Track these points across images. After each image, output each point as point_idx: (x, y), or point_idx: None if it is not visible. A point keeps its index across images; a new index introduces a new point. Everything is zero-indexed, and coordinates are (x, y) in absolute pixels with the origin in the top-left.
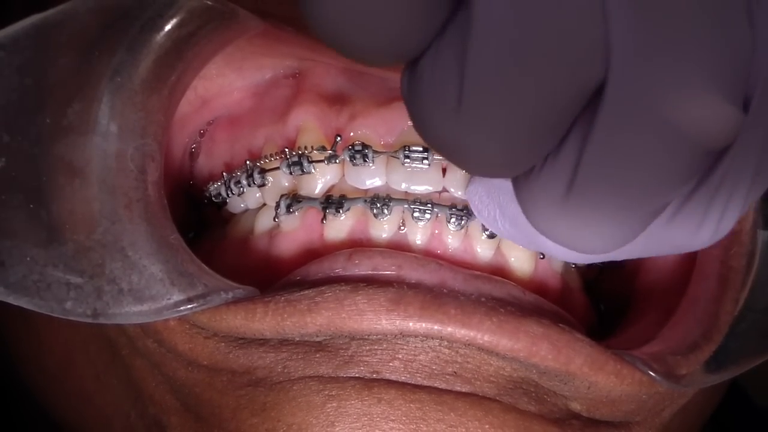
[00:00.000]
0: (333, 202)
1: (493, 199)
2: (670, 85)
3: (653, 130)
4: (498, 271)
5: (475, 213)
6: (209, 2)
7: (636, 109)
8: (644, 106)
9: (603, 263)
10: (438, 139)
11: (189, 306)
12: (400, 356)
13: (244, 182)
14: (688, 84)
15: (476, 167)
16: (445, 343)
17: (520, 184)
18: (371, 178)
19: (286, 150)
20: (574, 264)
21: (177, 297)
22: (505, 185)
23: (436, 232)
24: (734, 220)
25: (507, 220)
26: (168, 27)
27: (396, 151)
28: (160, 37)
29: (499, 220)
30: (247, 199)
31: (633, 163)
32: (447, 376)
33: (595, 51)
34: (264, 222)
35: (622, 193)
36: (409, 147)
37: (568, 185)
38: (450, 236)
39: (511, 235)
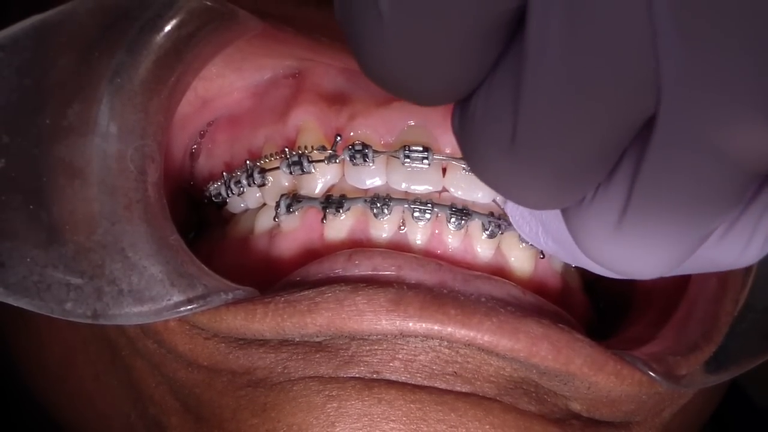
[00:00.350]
0: (333, 201)
1: (536, 216)
2: (719, 112)
3: (704, 157)
4: (498, 271)
5: (516, 228)
6: (209, 3)
7: (687, 137)
8: (695, 134)
9: None
10: (492, 175)
11: (189, 307)
12: (400, 356)
13: (244, 182)
14: (736, 111)
15: (532, 202)
16: (445, 343)
17: (571, 213)
18: (371, 177)
19: (286, 150)
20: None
21: (177, 298)
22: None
23: (436, 231)
24: None
25: (550, 238)
26: (167, 28)
27: (396, 151)
28: (159, 38)
29: (542, 237)
30: (247, 198)
31: (684, 189)
32: (447, 376)
33: (647, 84)
34: (264, 222)
35: (673, 219)
36: (409, 147)
37: (621, 213)
38: (450, 236)
39: (554, 251)
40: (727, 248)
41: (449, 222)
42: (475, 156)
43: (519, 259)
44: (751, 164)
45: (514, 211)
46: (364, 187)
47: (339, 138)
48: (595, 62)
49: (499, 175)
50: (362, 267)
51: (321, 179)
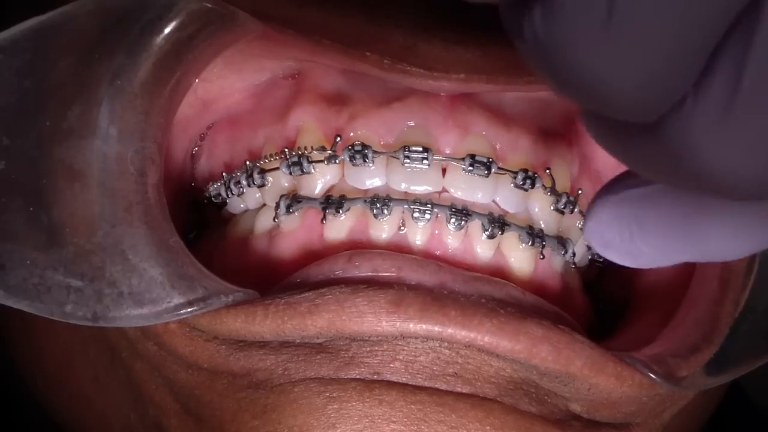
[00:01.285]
0: (333, 202)
1: (626, 218)
2: None
3: None
4: (498, 272)
5: (600, 251)
6: (209, 5)
7: None
8: None
9: (603, 264)
10: (584, 69)
11: (189, 309)
12: (400, 357)
13: (244, 182)
14: None
15: (627, 99)
16: (446, 344)
17: (670, 122)
18: (371, 178)
19: (286, 150)
20: (573, 264)
21: (177, 300)
22: (641, 206)
23: (436, 232)
24: None
25: (650, 234)
26: (167, 30)
27: (396, 152)
28: (159, 39)
29: (639, 240)
30: (246, 199)
31: None
32: (448, 377)
33: None
34: (264, 222)
35: None
36: (408, 147)
37: (728, 106)
38: (450, 236)
39: (659, 248)
40: None
41: (449, 222)
42: (566, 44)
43: (519, 260)
44: None
45: (594, 234)
46: (364, 188)
47: (339, 138)
48: None
49: (593, 67)
50: (362, 268)
51: (321, 180)
